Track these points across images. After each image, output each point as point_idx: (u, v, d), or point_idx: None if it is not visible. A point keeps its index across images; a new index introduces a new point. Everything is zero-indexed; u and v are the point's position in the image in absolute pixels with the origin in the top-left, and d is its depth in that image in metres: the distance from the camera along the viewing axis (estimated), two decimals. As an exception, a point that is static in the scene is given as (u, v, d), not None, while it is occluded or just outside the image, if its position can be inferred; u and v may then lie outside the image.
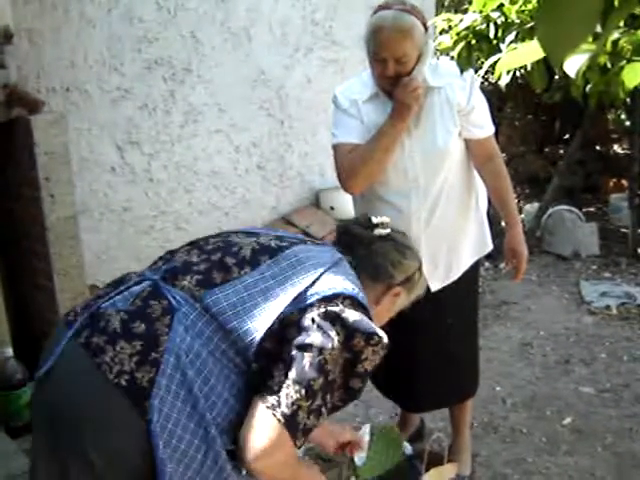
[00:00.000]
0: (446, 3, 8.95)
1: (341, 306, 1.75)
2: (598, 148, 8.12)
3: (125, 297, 1.76)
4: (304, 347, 1.68)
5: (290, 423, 1.65)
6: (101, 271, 4.09)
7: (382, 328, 1.84)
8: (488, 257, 2.99)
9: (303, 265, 1.81)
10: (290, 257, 1.83)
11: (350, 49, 5.47)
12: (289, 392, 1.65)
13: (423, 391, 3.14)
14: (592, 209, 7.32)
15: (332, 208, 5.49)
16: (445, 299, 2.95)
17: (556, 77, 4.55)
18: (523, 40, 3.28)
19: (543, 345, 4.57)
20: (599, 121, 7.43)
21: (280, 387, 1.66)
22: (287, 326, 1.72)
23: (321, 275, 1.79)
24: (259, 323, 1.70)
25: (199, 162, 4.79)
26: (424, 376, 3.09)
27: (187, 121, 4.66)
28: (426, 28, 2.69)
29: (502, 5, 3.57)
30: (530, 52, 0.75)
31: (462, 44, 3.71)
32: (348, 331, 1.73)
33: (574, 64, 0.65)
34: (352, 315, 1.74)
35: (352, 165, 2.76)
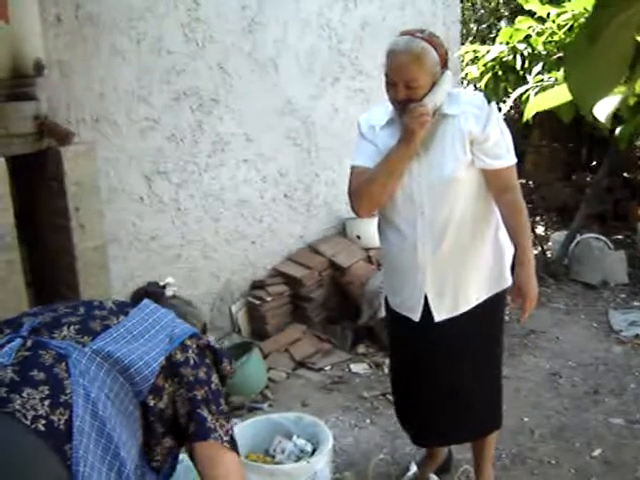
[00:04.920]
0: (473, 32, 8.99)
1: (205, 339, 2.03)
2: (626, 175, 8.07)
3: (5, 353, 1.75)
4: (201, 383, 1.92)
5: (233, 444, 1.94)
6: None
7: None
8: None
9: (161, 311, 2.03)
10: (148, 305, 2.04)
11: (376, 79, 5.48)
12: (221, 423, 1.91)
13: (426, 425, 3.12)
14: (620, 237, 7.26)
15: (358, 237, 5.50)
16: (454, 333, 2.91)
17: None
18: (550, 71, 3.29)
19: (572, 375, 4.53)
20: (626, 148, 7.39)
21: (214, 424, 1.89)
22: (174, 364, 1.90)
23: (175, 318, 2.03)
24: (151, 358, 1.86)
25: (226, 191, 4.82)
26: (427, 409, 3.07)
27: (215, 151, 4.70)
28: (444, 57, 2.71)
29: (529, 37, 3.59)
30: (560, 94, 0.76)
31: (489, 75, 3.73)
32: (217, 358, 2.03)
33: (604, 108, 0.65)
34: (214, 345, 2.05)
35: (358, 187, 2.85)
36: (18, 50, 3.11)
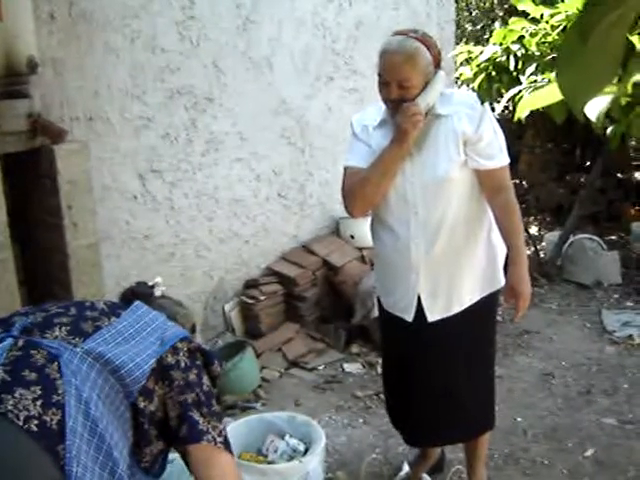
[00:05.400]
0: (467, 33, 8.99)
1: (196, 342, 2.03)
2: (619, 176, 8.08)
3: None
4: (192, 386, 1.92)
5: (227, 445, 1.93)
6: (122, 298, 4.10)
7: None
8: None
9: (152, 314, 2.02)
10: (140, 307, 2.03)
11: (370, 78, 5.45)
12: (214, 425, 1.91)
13: (419, 425, 3.12)
14: (614, 237, 7.28)
15: (352, 237, 5.50)
16: (447, 334, 2.91)
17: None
18: (543, 72, 3.31)
19: (565, 375, 4.54)
20: (620, 148, 7.39)
21: (206, 426, 1.89)
22: (164, 367, 1.90)
23: (166, 320, 2.03)
24: (142, 360, 1.85)
25: (220, 190, 4.82)
26: (419, 410, 3.07)
27: (208, 150, 4.69)
28: (437, 58, 2.71)
29: (522, 37, 3.60)
30: (550, 93, 0.75)
31: (482, 75, 3.74)
32: (208, 359, 2.03)
33: (595, 107, 0.65)
34: (205, 347, 2.05)
35: (352, 187, 2.84)
36: (11, 48, 3.10)
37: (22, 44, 3.15)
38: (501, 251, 2.92)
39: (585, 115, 0.70)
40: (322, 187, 5.62)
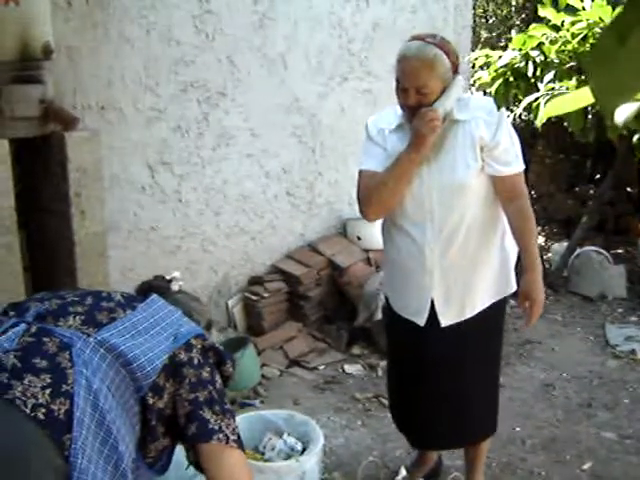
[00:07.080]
0: (482, 39, 8.96)
1: (210, 340, 2.02)
2: (629, 189, 8.05)
3: (9, 337, 1.74)
4: (204, 383, 1.90)
5: (239, 442, 1.91)
6: (126, 289, 4.08)
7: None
8: (514, 295, 2.94)
9: (168, 308, 2.01)
10: (156, 301, 2.02)
11: (384, 80, 5.48)
12: (227, 422, 1.89)
13: (429, 429, 3.11)
14: (621, 251, 7.24)
15: (359, 238, 5.48)
16: (457, 338, 2.91)
17: (589, 117, 4.55)
18: (561, 80, 3.29)
19: (566, 387, 4.51)
20: (631, 162, 7.36)
21: (218, 424, 1.87)
22: (177, 364, 1.89)
23: (181, 316, 2.02)
24: (155, 355, 1.84)
25: (229, 185, 4.81)
26: (427, 413, 3.06)
27: (219, 144, 4.68)
28: (455, 63, 2.70)
29: (542, 44, 3.58)
30: (576, 99, 0.74)
31: (500, 81, 3.72)
32: (220, 358, 2.01)
33: (623, 112, 0.63)
34: (219, 346, 2.03)
35: (367, 191, 2.82)
36: (27, 32, 3.09)
37: (38, 29, 3.14)
38: (513, 256, 2.92)
39: (609, 124, 0.69)
40: (331, 187, 5.60)
